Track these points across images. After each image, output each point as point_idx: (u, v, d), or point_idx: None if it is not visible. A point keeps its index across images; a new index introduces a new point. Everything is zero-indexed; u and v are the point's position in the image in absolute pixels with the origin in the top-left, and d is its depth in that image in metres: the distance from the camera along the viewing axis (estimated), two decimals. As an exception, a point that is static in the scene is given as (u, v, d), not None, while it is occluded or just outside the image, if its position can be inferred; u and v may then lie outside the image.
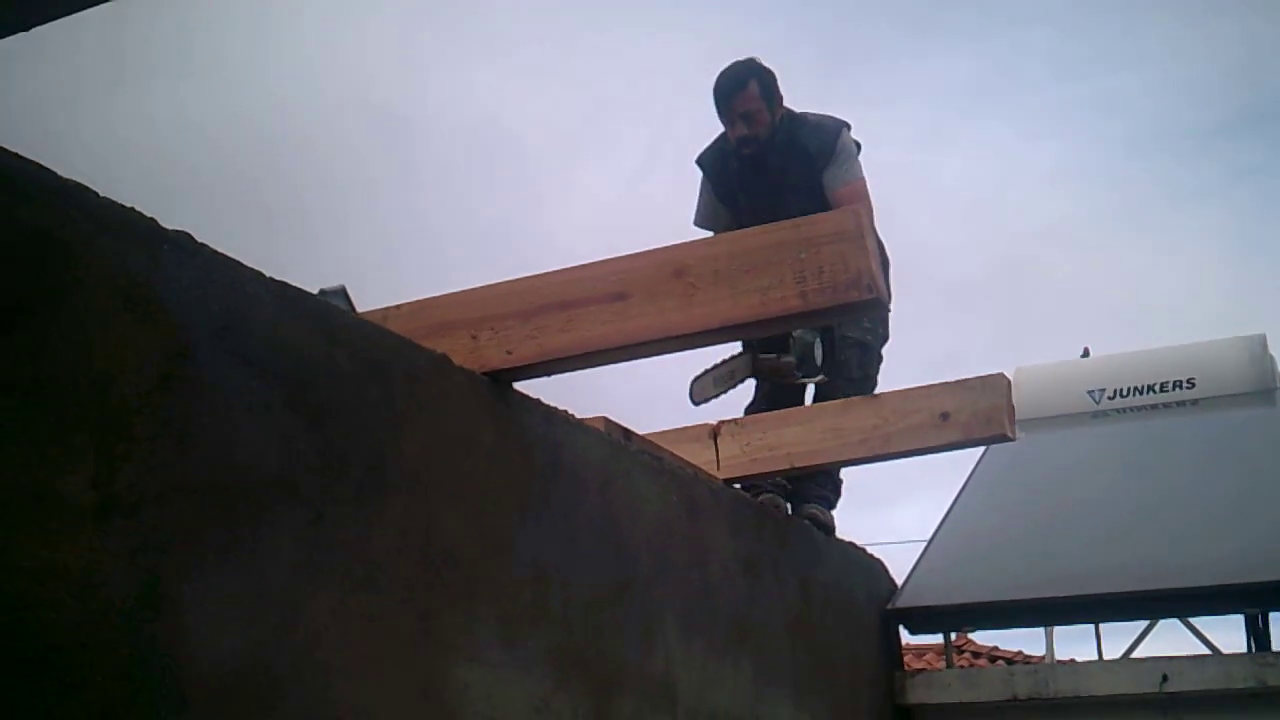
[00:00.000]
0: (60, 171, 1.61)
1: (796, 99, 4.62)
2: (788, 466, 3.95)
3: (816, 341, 4.14)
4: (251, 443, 1.82)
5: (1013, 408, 3.78)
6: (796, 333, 4.09)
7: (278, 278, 1.96)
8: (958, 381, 3.78)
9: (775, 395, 4.52)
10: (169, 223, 1.76)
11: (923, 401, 3.81)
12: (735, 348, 4.37)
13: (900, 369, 4.76)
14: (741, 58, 4.60)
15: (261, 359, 1.87)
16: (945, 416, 3.76)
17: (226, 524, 1.75)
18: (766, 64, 4.61)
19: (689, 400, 3.90)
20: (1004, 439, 3.79)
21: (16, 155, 1.56)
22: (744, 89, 4.56)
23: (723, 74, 4.59)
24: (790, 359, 4.13)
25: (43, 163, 1.60)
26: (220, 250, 1.85)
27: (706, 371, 4.04)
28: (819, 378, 4.16)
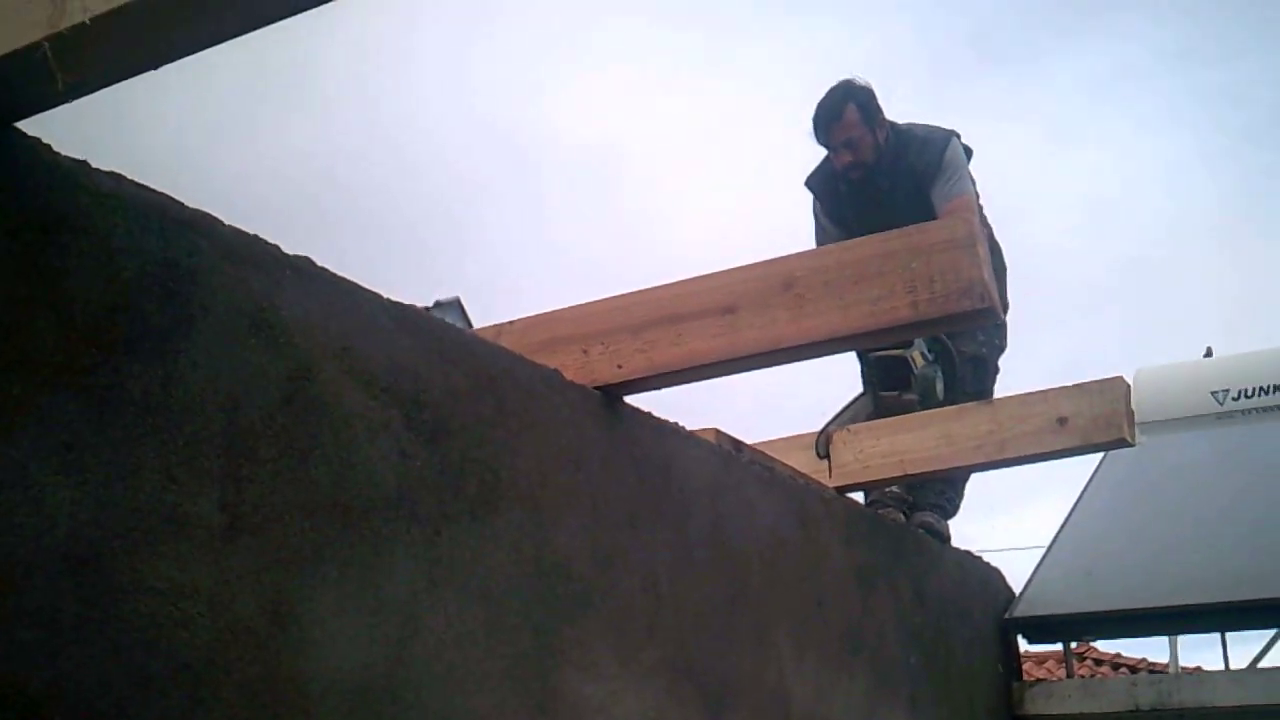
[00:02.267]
0: (187, 202, 1.67)
1: (914, 107, 4.59)
2: (900, 474, 3.91)
3: (938, 376, 4.07)
4: (371, 461, 1.86)
5: (1132, 412, 3.70)
6: (918, 370, 4.04)
7: (395, 299, 2.01)
8: (1075, 385, 3.70)
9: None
10: (293, 248, 1.82)
11: (1039, 406, 3.74)
12: (856, 390, 4.34)
13: (1019, 374, 4.69)
14: (835, 81, 4.55)
15: (380, 379, 1.91)
16: (1063, 421, 3.68)
17: (348, 541, 1.79)
18: (861, 81, 4.56)
19: (815, 453, 3.84)
20: (1123, 444, 3.70)
21: (145, 188, 1.62)
22: (842, 116, 4.51)
23: (820, 104, 4.54)
24: (912, 396, 4.09)
25: (170, 194, 1.65)
26: (339, 273, 1.90)
27: (830, 422, 4.02)
28: None
